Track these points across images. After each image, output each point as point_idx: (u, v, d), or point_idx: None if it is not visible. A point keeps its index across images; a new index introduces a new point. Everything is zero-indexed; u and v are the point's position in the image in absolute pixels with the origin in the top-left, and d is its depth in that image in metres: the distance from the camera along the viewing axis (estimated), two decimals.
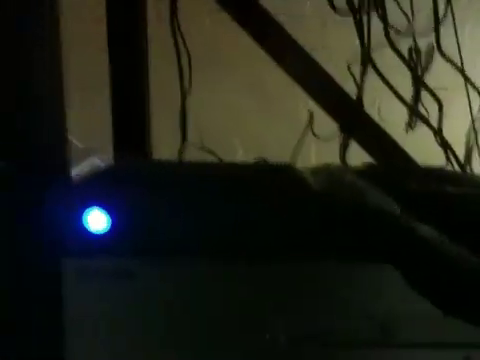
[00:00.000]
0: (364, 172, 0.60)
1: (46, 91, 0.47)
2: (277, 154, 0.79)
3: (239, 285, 0.47)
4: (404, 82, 0.88)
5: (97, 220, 0.47)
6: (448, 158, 0.84)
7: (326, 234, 0.46)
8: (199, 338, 0.48)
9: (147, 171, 0.61)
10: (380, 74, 0.84)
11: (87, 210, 0.47)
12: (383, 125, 0.98)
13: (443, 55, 0.82)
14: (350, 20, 0.86)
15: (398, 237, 0.42)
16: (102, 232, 0.47)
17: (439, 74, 0.92)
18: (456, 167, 0.85)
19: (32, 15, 0.45)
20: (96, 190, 0.48)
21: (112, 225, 0.47)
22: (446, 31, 0.86)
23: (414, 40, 0.85)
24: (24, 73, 0.46)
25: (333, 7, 0.79)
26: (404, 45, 0.87)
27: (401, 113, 0.94)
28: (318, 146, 1.00)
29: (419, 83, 0.84)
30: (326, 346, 0.48)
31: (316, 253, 0.46)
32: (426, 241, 0.41)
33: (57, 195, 0.47)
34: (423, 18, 0.92)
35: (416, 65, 0.83)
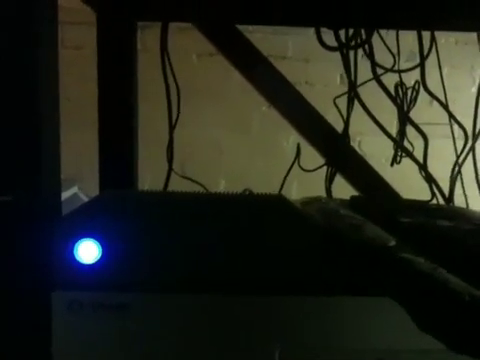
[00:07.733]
0: (355, 205, 0.61)
1: (43, 123, 0.46)
2: (260, 186, 0.78)
3: (233, 318, 0.47)
4: (386, 116, 0.90)
5: (88, 251, 0.46)
6: (433, 192, 0.85)
7: (323, 268, 0.46)
8: None
9: (137, 202, 0.60)
10: (366, 109, 0.85)
11: (78, 241, 0.46)
12: (368, 159, 0.99)
13: (428, 91, 0.84)
14: (332, 56, 0.88)
15: (395, 270, 0.42)
16: (93, 263, 0.46)
17: (424, 110, 0.94)
18: (441, 201, 0.86)
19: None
20: (87, 221, 0.48)
21: (103, 256, 0.46)
22: (428, 69, 0.88)
23: (400, 76, 0.87)
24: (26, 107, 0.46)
25: (321, 43, 0.80)
26: (389, 81, 0.89)
27: (386, 147, 0.95)
28: (300, 179, 1.01)
29: (405, 118, 0.85)
30: None
31: (313, 287, 0.46)
32: (423, 273, 0.41)
33: (48, 226, 0.46)
34: (407, 55, 0.94)
35: (402, 101, 0.85)
